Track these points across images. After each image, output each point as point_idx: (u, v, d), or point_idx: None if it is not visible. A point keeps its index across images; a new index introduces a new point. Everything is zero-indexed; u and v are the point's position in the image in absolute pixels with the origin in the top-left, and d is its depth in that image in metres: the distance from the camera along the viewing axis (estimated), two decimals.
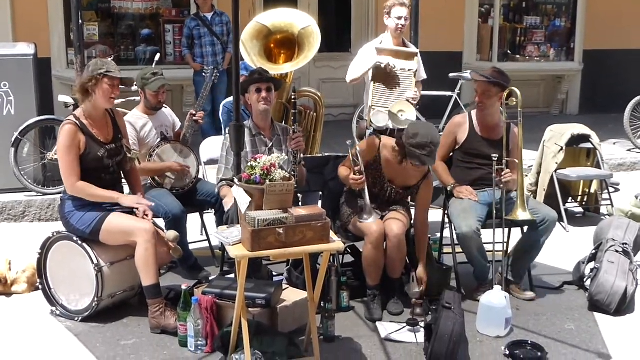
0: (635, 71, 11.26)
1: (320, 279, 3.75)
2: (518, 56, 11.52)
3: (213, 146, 5.48)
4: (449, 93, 8.61)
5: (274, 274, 4.77)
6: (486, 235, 4.62)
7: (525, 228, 4.74)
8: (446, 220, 4.97)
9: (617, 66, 11.25)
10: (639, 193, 6.72)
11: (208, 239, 5.47)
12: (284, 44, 5.32)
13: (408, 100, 4.94)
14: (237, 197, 3.58)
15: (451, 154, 4.96)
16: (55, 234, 4.40)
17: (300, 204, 4.80)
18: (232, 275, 4.42)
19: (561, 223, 6.19)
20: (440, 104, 8.47)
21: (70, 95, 7.17)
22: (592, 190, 6.86)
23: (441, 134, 4.91)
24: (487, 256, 4.63)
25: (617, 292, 4.49)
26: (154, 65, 6.67)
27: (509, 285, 4.70)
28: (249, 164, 3.62)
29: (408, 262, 4.66)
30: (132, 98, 6.06)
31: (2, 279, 4.73)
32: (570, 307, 4.65)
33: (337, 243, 3.61)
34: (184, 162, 5.10)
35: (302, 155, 4.61)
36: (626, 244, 4.89)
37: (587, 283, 4.78)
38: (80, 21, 6.43)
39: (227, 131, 4.55)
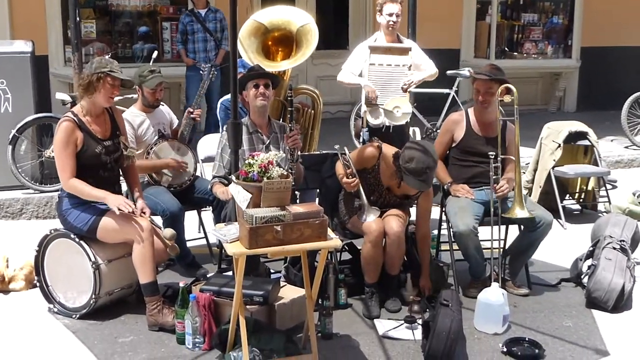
0: (632, 68, 11.26)
1: (318, 277, 3.75)
2: (515, 53, 11.51)
3: (211, 144, 5.47)
4: (446, 90, 8.60)
5: (272, 271, 4.78)
6: (483, 232, 4.63)
7: (522, 227, 4.74)
8: (443, 218, 4.97)
9: (614, 63, 11.26)
10: (637, 190, 6.74)
11: (206, 237, 5.47)
12: (282, 42, 5.31)
13: (402, 89, 4.92)
14: (236, 194, 3.58)
15: (448, 151, 4.96)
16: (52, 231, 4.40)
17: (297, 201, 4.80)
18: (230, 273, 4.43)
19: (559, 220, 6.20)
20: (438, 102, 8.46)
21: (68, 93, 7.18)
22: (590, 188, 6.87)
23: (438, 131, 4.91)
24: (483, 254, 4.64)
25: (615, 289, 4.50)
26: (151, 63, 6.66)
27: (504, 282, 4.71)
28: (246, 162, 3.62)
29: (406, 259, 4.66)
30: (130, 95, 6.06)
31: None
32: (568, 304, 4.65)
33: (334, 240, 3.61)
34: (181, 159, 5.10)
35: (299, 153, 4.61)
36: (623, 241, 4.89)
37: (585, 280, 4.79)
38: (78, 19, 6.43)
39: (224, 128, 4.54)
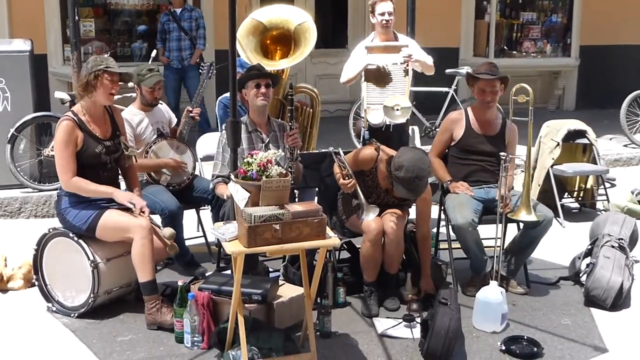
0: (631, 67, 11.26)
1: (316, 275, 3.75)
2: (514, 52, 11.52)
3: (209, 142, 5.47)
4: (445, 89, 8.60)
5: (271, 270, 4.78)
6: (483, 231, 4.63)
7: (522, 225, 4.74)
8: (442, 216, 4.97)
9: (613, 62, 11.26)
10: (635, 188, 6.75)
11: (204, 235, 5.46)
12: (280, 40, 5.31)
13: (404, 58, 4.92)
14: (234, 193, 3.58)
15: (447, 150, 4.96)
16: (51, 230, 4.39)
17: (296, 200, 4.80)
18: (229, 272, 4.42)
19: (557, 218, 6.20)
20: (437, 100, 8.47)
21: (67, 92, 7.18)
22: (588, 186, 6.87)
23: (437, 130, 4.91)
24: (484, 249, 4.62)
25: (613, 287, 4.50)
26: (150, 62, 6.67)
27: (502, 280, 4.70)
28: (245, 160, 3.62)
29: (404, 258, 4.66)
30: (129, 94, 6.06)
31: None
32: (567, 302, 4.66)
33: (333, 239, 3.60)
34: (180, 158, 5.10)
35: (298, 152, 4.61)
36: (622, 239, 4.90)
37: (583, 278, 4.80)
38: (77, 17, 6.42)
39: (223, 127, 4.54)
